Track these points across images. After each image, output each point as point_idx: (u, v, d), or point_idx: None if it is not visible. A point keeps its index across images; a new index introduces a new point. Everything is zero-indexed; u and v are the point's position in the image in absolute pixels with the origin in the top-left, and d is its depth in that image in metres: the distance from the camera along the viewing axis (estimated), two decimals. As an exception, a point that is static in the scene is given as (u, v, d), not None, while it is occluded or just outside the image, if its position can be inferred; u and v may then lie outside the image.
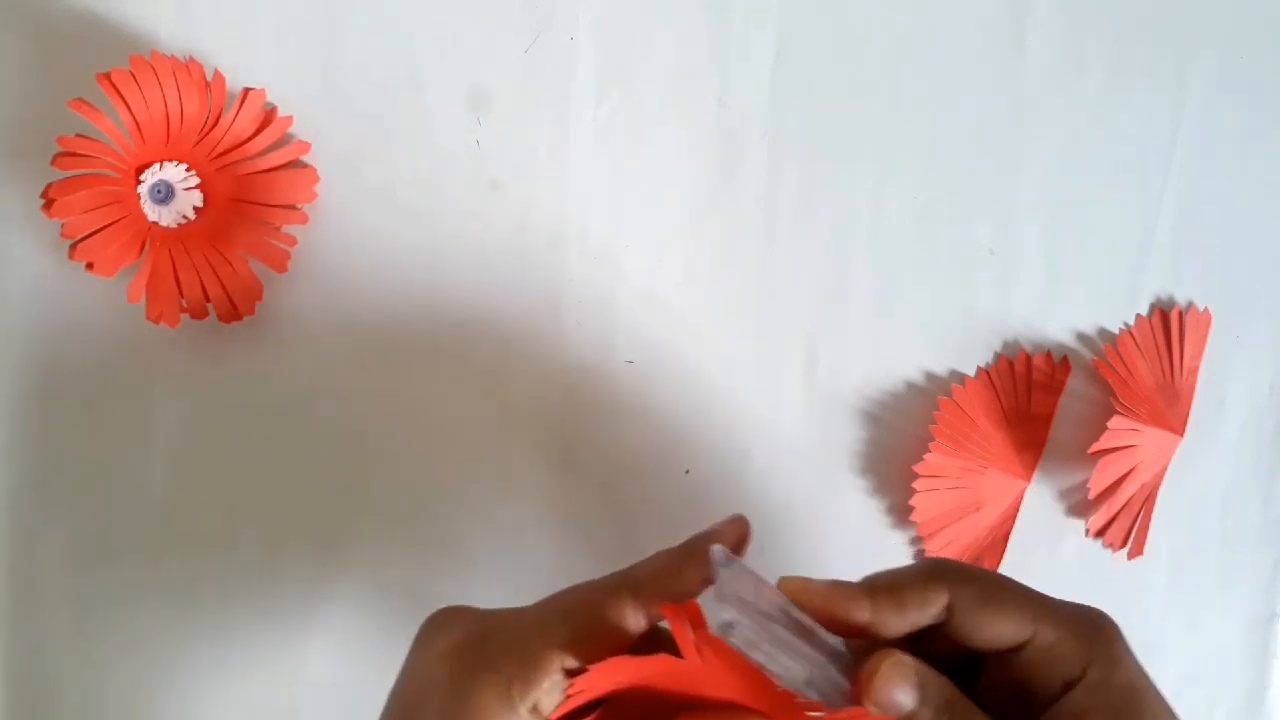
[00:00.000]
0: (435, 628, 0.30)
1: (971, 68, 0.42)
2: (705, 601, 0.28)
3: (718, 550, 0.29)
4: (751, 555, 0.42)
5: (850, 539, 0.43)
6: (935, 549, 0.42)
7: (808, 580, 0.30)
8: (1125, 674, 0.29)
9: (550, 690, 0.28)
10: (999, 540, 0.43)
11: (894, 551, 0.43)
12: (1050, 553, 0.44)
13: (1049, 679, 0.29)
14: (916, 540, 0.43)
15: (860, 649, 0.30)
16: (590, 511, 0.41)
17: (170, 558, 0.39)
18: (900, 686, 0.28)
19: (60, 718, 0.39)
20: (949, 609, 0.30)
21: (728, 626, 0.27)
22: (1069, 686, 0.29)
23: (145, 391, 0.38)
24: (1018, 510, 0.43)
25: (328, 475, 0.40)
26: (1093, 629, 0.30)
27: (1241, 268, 0.44)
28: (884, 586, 0.30)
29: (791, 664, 0.28)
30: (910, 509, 0.42)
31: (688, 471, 0.41)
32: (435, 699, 0.28)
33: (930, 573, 0.30)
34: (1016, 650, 0.30)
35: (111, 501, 0.39)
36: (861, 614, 0.29)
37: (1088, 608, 0.31)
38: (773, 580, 0.30)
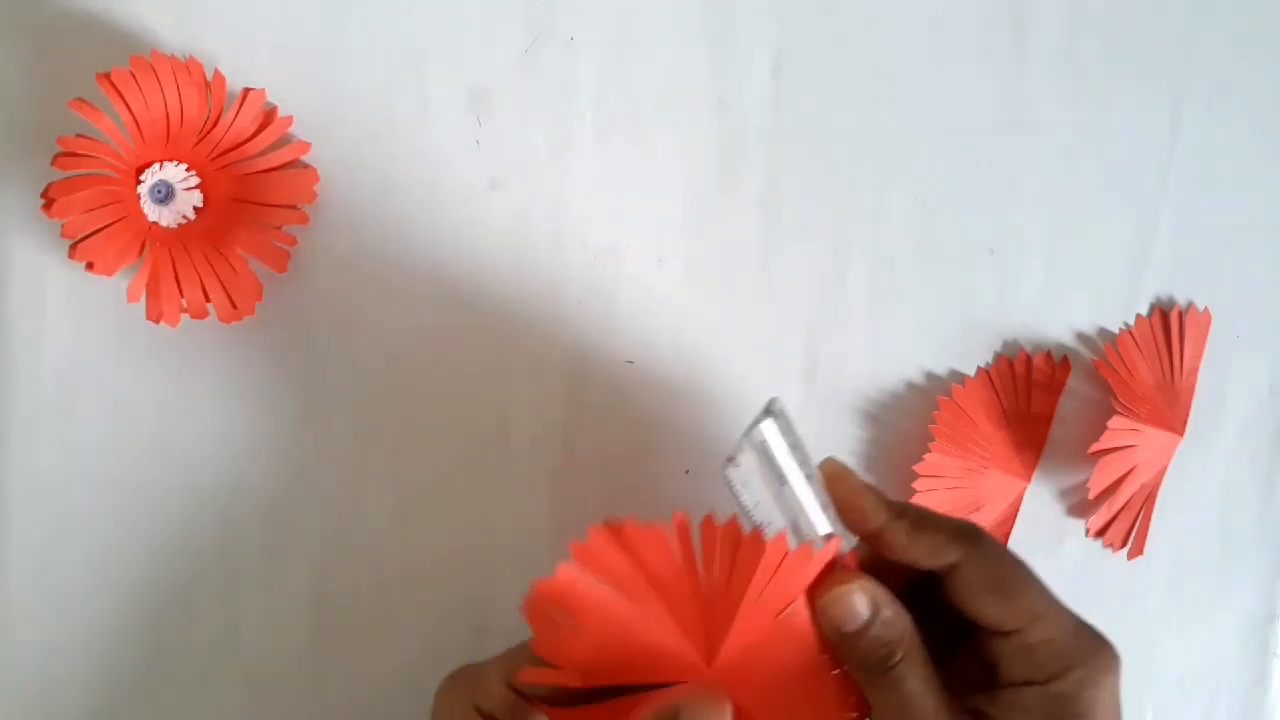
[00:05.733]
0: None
1: (971, 68, 0.42)
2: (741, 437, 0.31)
3: (777, 401, 0.31)
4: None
5: (850, 539, 0.43)
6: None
7: (847, 470, 0.32)
8: (1094, 694, 0.30)
9: (498, 703, 0.31)
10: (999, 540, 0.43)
11: (894, 551, 0.43)
12: (1050, 553, 0.44)
13: (1015, 671, 0.30)
14: (916, 540, 0.43)
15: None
16: (590, 512, 0.41)
17: (170, 558, 0.39)
18: (858, 598, 0.29)
19: (60, 717, 0.39)
20: (954, 569, 0.31)
21: (730, 461, 0.30)
22: (1030, 685, 0.30)
23: (145, 391, 0.38)
24: (1018, 510, 0.43)
25: (327, 475, 0.40)
26: (1087, 648, 0.30)
27: (1241, 268, 0.44)
28: (911, 516, 0.31)
29: (774, 517, 0.30)
30: (910, 509, 0.42)
31: (688, 471, 0.41)
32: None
33: (957, 532, 0.31)
34: (1001, 635, 0.30)
35: (110, 501, 0.39)
36: (872, 521, 0.31)
37: (1096, 632, 0.31)
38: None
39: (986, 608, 0.30)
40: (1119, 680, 0.31)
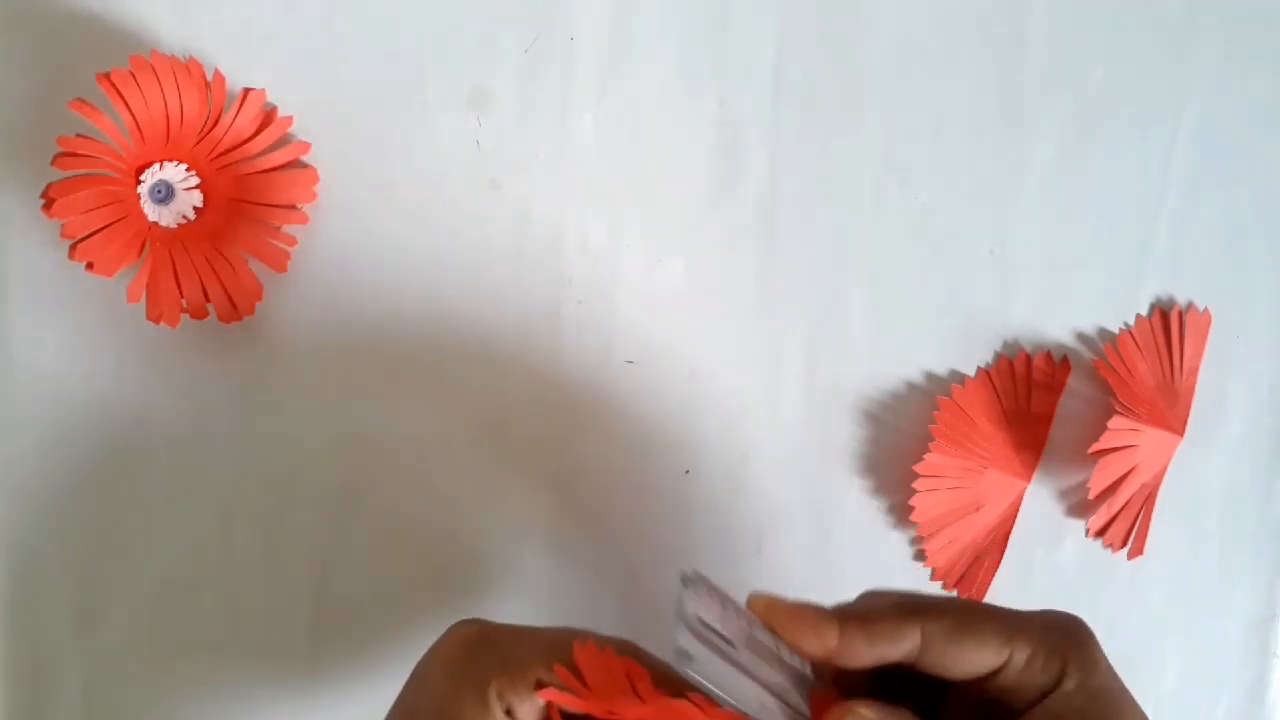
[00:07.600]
0: (446, 632, 0.31)
1: (971, 68, 0.42)
2: (675, 626, 0.27)
3: (687, 570, 0.28)
4: (749, 555, 0.42)
5: (850, 539, 0.43)
6: (935, 549, 0.43)
7: (776, 600, 0.29)
8: (1099, 679, 0.29)
9: (525, 698, 0.28)
10: (999, 540, 0.43)
11: (894, 552, 0.43)
12: (1050, 553, 0.44)
13: (1024, 693, 0.29)
14: (917, 540, 0.43)
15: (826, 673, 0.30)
16: (590, 512, 0.41)
17: (169, 558, 0.39)
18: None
19: (60, 717, 0.39)
20: (921, 645, 0.29)
21: (683, 655, 0.26)
22: (1045, 695, 0.29)
23: (145, 391, 0.38)
24: (1018, 510, 0.43)
25: (327, 475, 0.40)
26: (1066, 638, 0.30)
27: (1241, 268, 0.44)
28: (856, 616, 0.29)
29: (747, 692, 0.27)
30: (910, 509, 0.42)
31: (687, 471, 0.41)
32: (427, 695, 0.29)
33: (903, 609, 0.30)
34: (993, 674, 0.30)
35: (111, 502, 0.39)
36: (828, 641, 0.29)
37: (1060, 615, 0.31)
38: (743, 597, 0.29)
39: (967, 660, 0.29)
40: (1099, 645, 0.30)
